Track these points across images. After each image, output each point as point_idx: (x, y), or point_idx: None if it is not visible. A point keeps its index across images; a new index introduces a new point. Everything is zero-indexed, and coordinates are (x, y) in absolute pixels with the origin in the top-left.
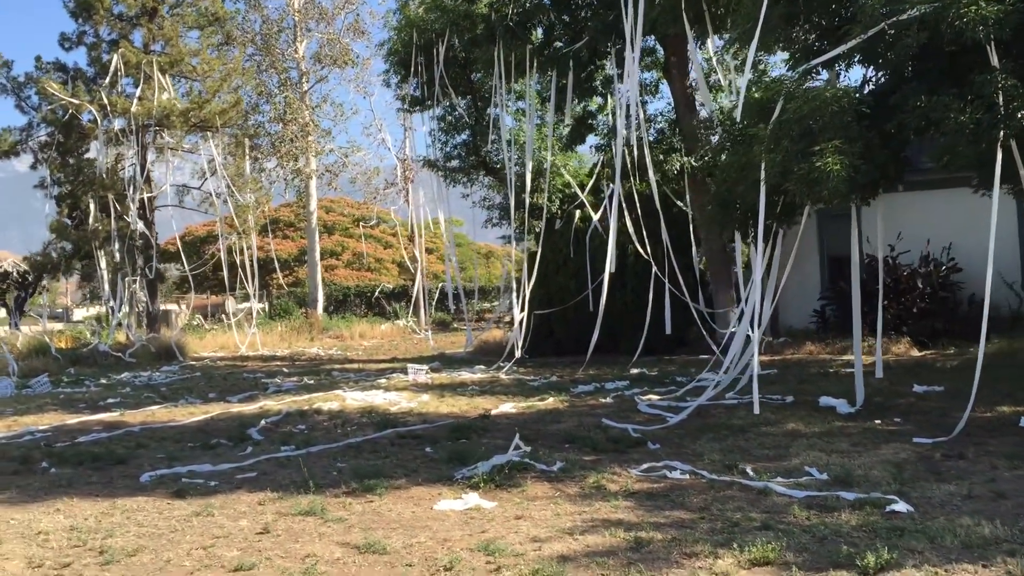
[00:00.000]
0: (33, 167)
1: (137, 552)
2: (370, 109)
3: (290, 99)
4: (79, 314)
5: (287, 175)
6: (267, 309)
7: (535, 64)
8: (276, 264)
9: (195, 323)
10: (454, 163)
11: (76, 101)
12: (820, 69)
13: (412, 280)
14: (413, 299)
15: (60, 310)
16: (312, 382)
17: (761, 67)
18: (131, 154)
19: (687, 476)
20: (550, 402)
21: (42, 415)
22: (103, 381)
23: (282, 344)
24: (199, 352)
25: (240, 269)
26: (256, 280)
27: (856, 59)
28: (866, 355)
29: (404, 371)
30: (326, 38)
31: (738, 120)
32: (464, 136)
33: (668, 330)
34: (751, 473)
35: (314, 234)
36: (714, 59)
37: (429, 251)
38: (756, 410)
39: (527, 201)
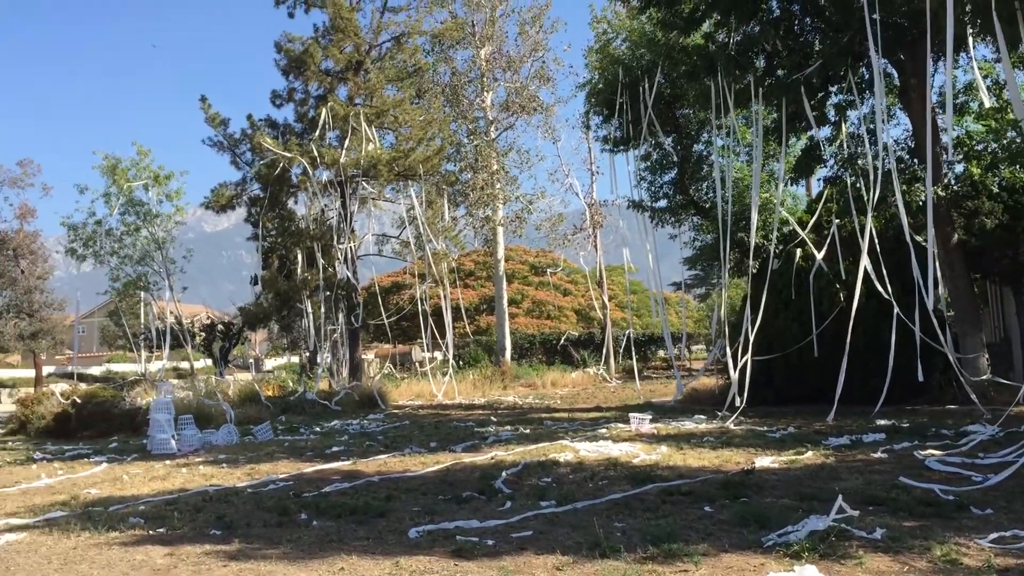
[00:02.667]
0: (247, 220)
1: None
2: (556, 155)
3: (480, 147)
4: (268, 364)
5: (476, 223)
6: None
7: (759, 94)
8: (462, 312)
9: (386, 371)
10: (661, 203)
11: (289, 154)
12: None
13: (592, 328)
14: (604, 347)
15: (251, 360)
16: (528, 431)
17: None
18: (336, 205)
19: None
20: (810, 456)
21: (276, 463)
22: (317, 429)
23: (475, 392)
24: (397, 400)
25: (427, 318)
26: (451, 328)
27: None
28: None
29: (621, 421)
30: (513, 87)
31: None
32: (671, 175)
33: (920, 377)
34: None
35: (501, 282)
36: (975, 71)
37: (609, 298)
38: None
39: (751, 241)
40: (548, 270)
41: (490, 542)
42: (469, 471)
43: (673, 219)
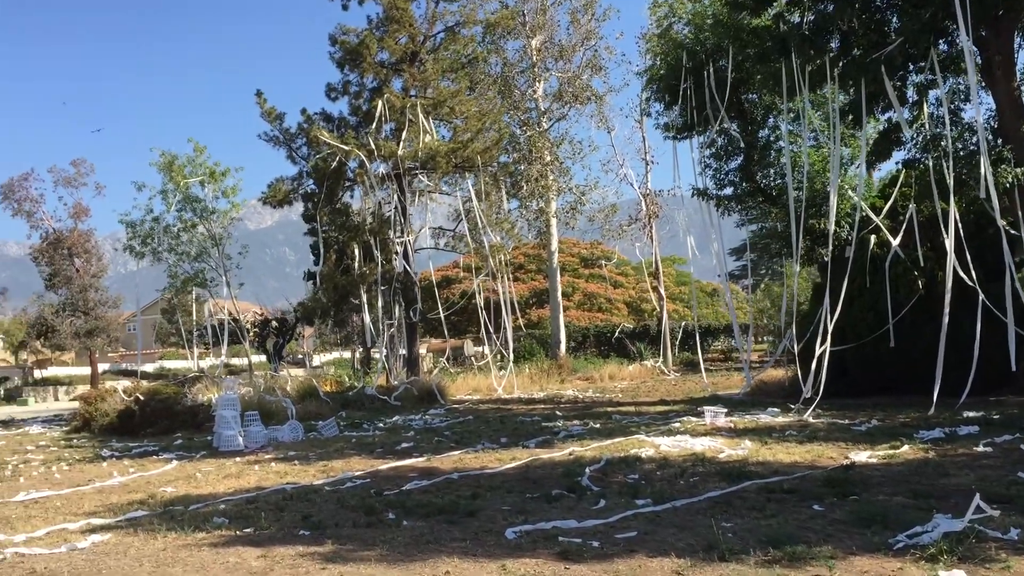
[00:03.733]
0: (304, 216)
1: None
2: (610, 144)
3: (534, 138)
4: (316, 360)
5: (529, 215)
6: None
7: (834, 76)
8: (515, 305)
9: (439, 366)
10: (727, 191)
11: (346, 147)
12: None
13: (644, 320)
14: (661, 339)
15: (300, 356)
16: (598, 426)
17: None
18: (394, 198)
19: None
20: (907, 451)
21: (348, 460)
22: (380, 424)
23: (533, 386)
24: (455, 395)
25: (483, 311)
26: (510, 322)
27: None
28: None
29: (691, 414)
30: (565, 77)
31: None
32: (737, 161)
33: (1014, 366)
34: None
35: (555, 274)
36: None
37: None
38: None
39: (831, 227)
40: (601, 262)
41: (595, 543)
42: (550, 468)
43: (739, 207)
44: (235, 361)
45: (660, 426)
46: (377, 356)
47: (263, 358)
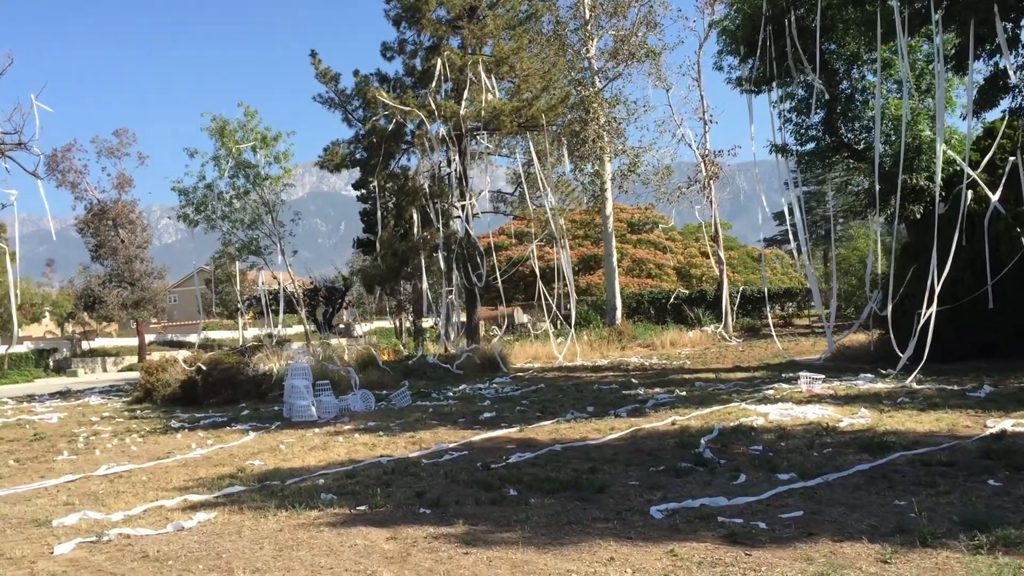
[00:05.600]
0: (353, 185)
1: None
2: (667, 104)
3: (590, 97)
4: (358, 329)
5: (583, 179)
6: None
7: (937, 17)
8: (569, 272)
9: (492, 334)
10: (809, 146)
11: (406, 108)
12: None
13: (694, 286)
14: (722, 304)
15: (341, 326)
16: (683, 394)
17: None
18: (454, 160)
19: None
20: None
21: (434, 431)
22: (450, 393)
23: (593, 353)
24: (514, 363)
25: (541, 277)
26: (573, 288)
27: None
28: None
29: (782, 381)
30: (620, 34)
31: None
32: (819, 115)
33: None
34: None
35: (611, 239)
36: None
37: (707, 255)
38: None
39: (936, 183)
40: (659, 226)
41: (761, 524)
42: (657, 438)
43: (821, 163)
44: (277, 332)
45: (751, 394)
46: (426, 324)
47: (302, 328)
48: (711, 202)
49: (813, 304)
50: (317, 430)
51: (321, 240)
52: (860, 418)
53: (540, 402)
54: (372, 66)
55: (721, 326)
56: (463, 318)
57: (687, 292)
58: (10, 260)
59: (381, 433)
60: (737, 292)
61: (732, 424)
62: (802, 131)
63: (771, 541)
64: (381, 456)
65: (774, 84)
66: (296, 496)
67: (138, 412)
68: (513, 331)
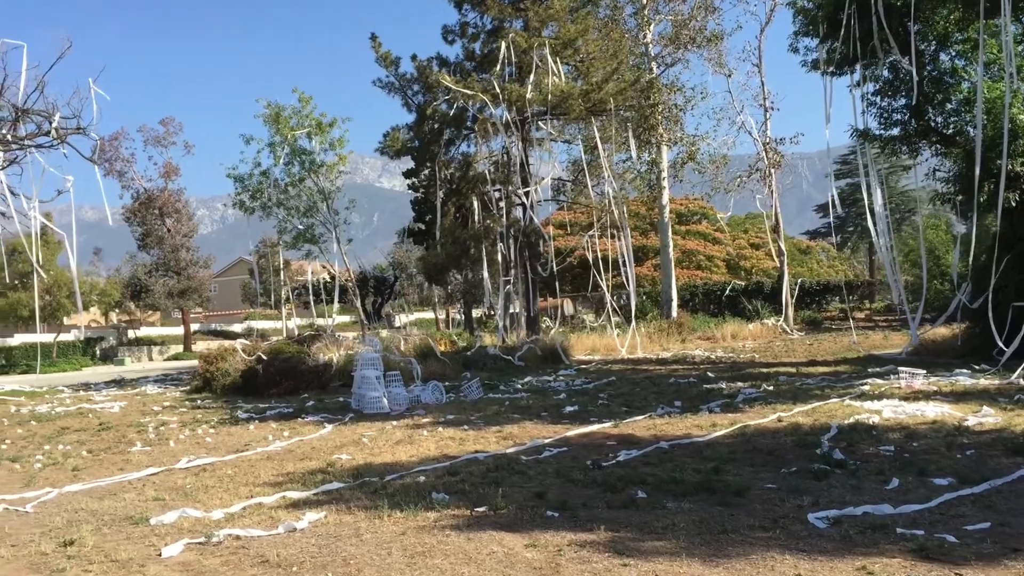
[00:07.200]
0: (404, 173)
1: None
2: (727, 90)
3: (653, 82)
4: (399, 320)
5: (640, 167)
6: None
7: None
8: (621, 263)
9: (547, 325)
10: (894, 131)
11: (470, 92)
12: None
13: (744, 277)
14: (783, 297)
15: (385, 314)
16: (772, 388)
17: None
18: (516, 146)
19: None
20: None
21: (520, 426)
22: (518, 386)
23: (654, 346)
24: (573, 355)
25: (596, 269)
26: (633, 279)
27: None
28: None
29: (873, 376)
30: (678, 19)
31: None
32: (905, 99)
33: None
34: None
35: (667, 229)
36: None
37: (756, 247)
38: None
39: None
40: (719, 216)
41: (950, 538)
42: (770, 436)
43: (907, 149)
44: (319, 322)
45: (844, 389)
46: (478, 315)
47: (345, 318)
48: (772, 191)
49: (880, 297)
50: (395, 423)
51: (355, 232)
52: (986, 417)
53: (619, 396)
54: (429, 53)
55: (782, 319)
56: (517, 309)
57: (743, 284)
58: (70, 248)
59: (466, 427)
60: (796, 284)
61: (847, 422)
62: (886, 115)
63: (974, 557)
64: (476, 452)
65: (857, 66)
66: (404, 495)
67: (199, 402)
68: (565, 323)
